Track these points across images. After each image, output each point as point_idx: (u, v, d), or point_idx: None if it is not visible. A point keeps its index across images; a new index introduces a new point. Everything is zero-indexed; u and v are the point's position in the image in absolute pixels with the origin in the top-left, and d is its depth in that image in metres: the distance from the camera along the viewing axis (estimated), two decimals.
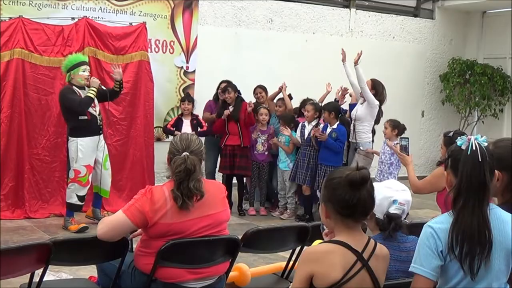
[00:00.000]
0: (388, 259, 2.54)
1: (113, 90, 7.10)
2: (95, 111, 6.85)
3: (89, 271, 4.38)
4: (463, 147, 2.43)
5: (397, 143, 7.30)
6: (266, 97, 8.45)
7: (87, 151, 6.80)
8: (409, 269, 2.45)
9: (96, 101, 6.89)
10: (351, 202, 2.39)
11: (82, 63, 6.86)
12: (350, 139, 7.86)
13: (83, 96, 6.77)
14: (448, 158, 2.56)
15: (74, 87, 6.79)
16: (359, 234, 2.47)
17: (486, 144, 2.43)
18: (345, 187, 2.40)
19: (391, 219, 2.82)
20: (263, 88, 8.43)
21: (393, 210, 2.84)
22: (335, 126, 7.65)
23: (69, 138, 6.86)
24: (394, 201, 2.85)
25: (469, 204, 2.36)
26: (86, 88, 6.81)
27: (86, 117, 6.74)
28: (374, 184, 2.80)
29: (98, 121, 6.90)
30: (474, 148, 2.39)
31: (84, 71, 6.81)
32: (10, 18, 7.43)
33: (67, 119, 6.99)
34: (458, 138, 2.49)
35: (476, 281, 2.36)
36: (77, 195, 6.85)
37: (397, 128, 7.45)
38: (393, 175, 7.37)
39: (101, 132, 6.98)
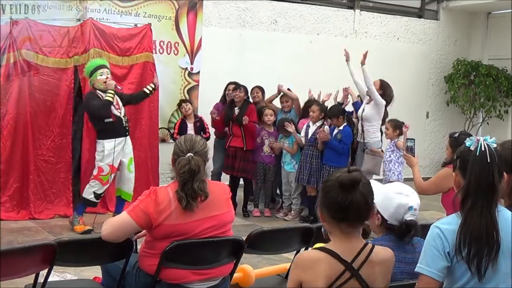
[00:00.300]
0: (391, 262, 2.50)
1: (143, 93, 7.29)
2: (120, 112, 6.91)
3: (94, 271, 4.39)
4: (472, 148, 2.42)
5: (396, 141, 7.33)
6: (262, 97, 8.47)
7: (112, 152, 6.84)
8: (415, 270, 2.43)
9: (120, 103, 6.94)
10: (343, 204, 2.34)
11: (99, 67, 6.89)
12: (358, 139, 7.85)
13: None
14: (456, 159, 2.55)
15: (98, 91, 6.83)
16: (354, 240, 2.40)
17: (495, 145, 2.42)
18: (337, 190, 2.35)
19: (410, 227, 2.77)
20: (260, 88, 8.48)
21: (409, 217, 2.79)
22: (341, 127, 7.64)
23: (97, 140, 6.92)
24: (410, 208, 2.81)
25: (478, 205, 2.35)
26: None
27: (111, 120, 6.80)
28: (382, 189, 2.79)
29: (124, 122, 6.95)
30: (483, 149, 2.38)
31: (101, 75, 6.83)
32: (13, 19, 7.43)
33: (93, 123, 7.05)
34: (467, 139, 2.48)
35: (483, 282, 2.35)
36: (94, 192, 6.88)
37: (398, 128, 7.43)
38: (393, 172, 7.34)
39: (127, 133, 7.03)
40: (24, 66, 7.34)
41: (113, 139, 6.83)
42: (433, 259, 2.37)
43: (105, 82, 6.79)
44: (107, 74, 6.88)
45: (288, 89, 8.40)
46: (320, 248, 2.42)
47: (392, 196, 2.81)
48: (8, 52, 7.26)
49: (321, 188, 2.48)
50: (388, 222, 2.81)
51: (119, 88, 7.01)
